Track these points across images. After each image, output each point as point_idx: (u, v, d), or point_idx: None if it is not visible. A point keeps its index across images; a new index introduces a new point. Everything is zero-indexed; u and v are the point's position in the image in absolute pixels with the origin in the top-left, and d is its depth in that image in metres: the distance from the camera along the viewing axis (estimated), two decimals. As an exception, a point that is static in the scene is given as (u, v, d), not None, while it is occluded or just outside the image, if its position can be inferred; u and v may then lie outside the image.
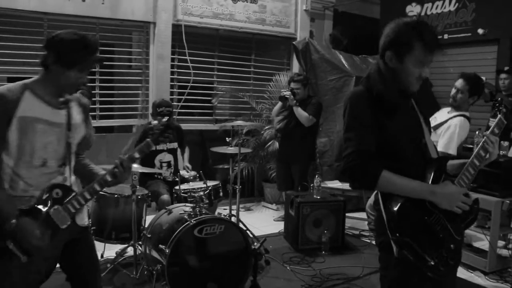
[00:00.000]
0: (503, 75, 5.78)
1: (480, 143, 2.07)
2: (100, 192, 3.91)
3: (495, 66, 6.37)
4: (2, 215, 2.06)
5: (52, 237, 2.14)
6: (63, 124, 2.24)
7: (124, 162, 2.23)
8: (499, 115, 2.13)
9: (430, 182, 1.99)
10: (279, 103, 5.53)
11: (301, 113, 5.27)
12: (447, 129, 3.98)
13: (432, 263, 1.90)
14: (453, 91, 4.10)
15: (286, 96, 5.30)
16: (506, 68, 5.89)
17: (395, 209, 1.92)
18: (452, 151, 3.90)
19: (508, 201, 4.50)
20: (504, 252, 4.66)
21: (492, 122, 5.78)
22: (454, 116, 4.04)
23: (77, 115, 2.33)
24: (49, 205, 2.15)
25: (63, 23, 5.59)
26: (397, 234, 1.90)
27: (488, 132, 2.10)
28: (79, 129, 2.34)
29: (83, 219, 2.35)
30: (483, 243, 4.52)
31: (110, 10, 5.80)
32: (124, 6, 5.88)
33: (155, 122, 4.63)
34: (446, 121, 4.05)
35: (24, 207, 2.10)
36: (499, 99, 2.17)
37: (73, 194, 2.21)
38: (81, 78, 2.22)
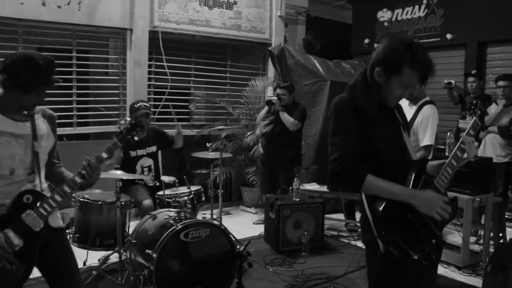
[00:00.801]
0: (470, 79, 6.00)
1: (457, 144, 2.19)
2: (83, 200, 4.01)
3: (463, 69, 6.63)
4: None
5: (27, 240, 2.22)
6: (28, 135, 2.33)
7: (91, 163, 2.30)
8: (474, 117, 2.27)
9: (411, 184, 2.10)
10: (265, 108, 5.66)
11: (287, 118, 5.41)
12: (421, 123, 3.97)
13: (416, 257, 2.01)
14: None
15: (273, 101, 5.43)
16: (473, 72, 6.14)
17: (380, 209, 2.02)
18: (433, 141, 3.98)
19: (478, 199, 4.71)
20: (476, 248, 4.87)
21: (462, 124, 6.02)
22: (420, 107, 4.04)
23: (42, 125, 2.42)
24: (20, 210, 2.23)
25: (38, 29, 5.58)
26: (383, 233, 2.02)
27: (464, 133, 2.23)
28: (46, 139, 2.43)
29: (56, 221, 2.43)
30: (456, 239, 4.71)
31: (87, 17, 5.80)
32: (101, 13, 5.88)
33: (122, 122, 4.70)
34: (415, 116, 4.05)
35: None
36: (474, 101, 2.31)
37: (44, 198, 2.29)
38: (40, 100, 2.31)
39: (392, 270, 2.09)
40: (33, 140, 2.34)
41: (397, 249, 2.01)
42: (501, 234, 5.02)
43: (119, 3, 6.03)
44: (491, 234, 4.78)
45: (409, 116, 4.00)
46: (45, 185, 2.41)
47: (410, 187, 2.08)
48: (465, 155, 2.18)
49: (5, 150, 2.25)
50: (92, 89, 6.41)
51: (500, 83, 5.54)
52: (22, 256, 2.21)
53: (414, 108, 4.06)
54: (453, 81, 5.96)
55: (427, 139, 3.92)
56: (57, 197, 2.29)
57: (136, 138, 2.47)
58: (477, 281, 4.18)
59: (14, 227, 2.20)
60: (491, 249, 4.65)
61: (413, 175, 2.12)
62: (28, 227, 2.23)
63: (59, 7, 5.59)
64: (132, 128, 2.43)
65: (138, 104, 4.70)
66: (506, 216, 5.41)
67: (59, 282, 2.45)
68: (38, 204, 2.26)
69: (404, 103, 4.03)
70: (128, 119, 4.18)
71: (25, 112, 2.34)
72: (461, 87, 6.31)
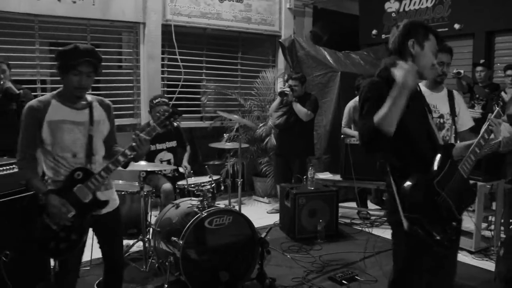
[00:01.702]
0: (479, 68, 6.09)
1: (483, 129, 2.31)
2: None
3: (471, 59, 6.71)
4: (35, 191, 2.59)
5: (78, 209, 2.56)
6: (86, 122, 2.67)
7: (140, 136, 2.57)
8: (496, 108, 2.38)
9: (436, 167, 2.22)
10: (277, 99, 5.75)
11: (300, 109, 5.51)
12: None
13: (438, 238, 2.14)
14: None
15: (286, 92, 5.53)
16: (481, 61, 6.22)
17: (408, 188, 2.15)
18: None
19: (488, 186, 4.82)
20: (487, 233, 4.99)
21: (472, 113, 6.04)
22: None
23: (99, 112, 2.76)
24: (73, 184, 2.57)
25: (54, 24, 5.68)
26: (409, 211, 2.14)
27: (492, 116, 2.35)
28: (102, 125, 2.77)
29: (106, 196, 2.73)
30: (468, 225, 4.81)
31: (101, 11, 5.89)
32: (115, 7, 5.97)
33: (151, 120, 4.80)
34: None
35: (52, 188, 2.58)
36: (497, 92, 2.43)
37: (93, 174, 2.61)
38: (82, 81, 2.57)
39: (418, 250, 2.21)
40: (90, 125, 2.66)
41: (421, 229, 2.12)
42: (511, 220, 5.13)
43: (132, -2, 6.12)
44: (502, 220, 4.89)
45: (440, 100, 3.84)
46: (101, 165, 2.68)
47: (436, 169, 2.20)
48: (492, 136, 2.31)
49: (68, 136, 2.61)
50: (106, 83, 6.51)
51: (509, 72, 5.64)
52: (75, 225, 2.56)
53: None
54: (462, 71, 6.05)
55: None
56: (103, 173, 2.61)
57: (175, 124, 2.68)
58: (490, 264, 4.30)
59: (68, 198, 2.54)
60: (502, 235, 4.77)
61: (440, 158, 2.23)
62: (78, 198, 2.56)
63: (74, 2, 5.68)
64: (171, 114, 2.63)
65: (157, 100, 4.78)
66: (515, 203, 5.52)
67: (105, 259, 2.89)
68: (88, 179, 2.58)
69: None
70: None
71: (83, 102, 2.68)
72: (469, 76, 6.39)
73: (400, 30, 2.31)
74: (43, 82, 5.89)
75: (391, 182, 2.26)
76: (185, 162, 5.01)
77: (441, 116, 3.76)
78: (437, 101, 3.70)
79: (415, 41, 2.26)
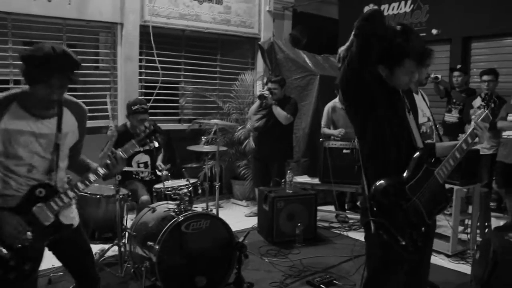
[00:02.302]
0: (456, 73, 6.15)
1: (467, 132, 2.27)
2: (81, 193, 4.01)
3: (448, 64, 6.79)
4: None
5: (36, 233, 2.19)
6: (51, 134, 2.27)
7: (116, 154, 2.36)
8: (486, 110, 2.35)
9: (411, 172, 2.19)
10: (257, 102, 5.73)
11: (280, 112, 5.49)
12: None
13: (403, 243, 2.13)
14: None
15: (265, 95, 5.50)
16: (458, 66, 6.29)
17: (376, 193, 2.14)
18: None
19: (465, 189, 4.86)
20: (463, 236, 5.03)
21: (448, 117, 6.13)
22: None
23: (69, 121, 2.36)
24: (32, 203, 2.22)
25: (28, 23, 5.54)
26: (375, 215, 2.13)
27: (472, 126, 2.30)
28: (71, 137, 2.38)
29: (69, 218, 2.40)
30: (445, 229, 4.85)
31: (77, 11, 5.78)
32: (91, 7, 5.87)
33: (129, 123, 4.71)
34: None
35: (6, 206, 2.19)
36: (489, 93, 2.39)
37: (57, 192, 2.28)
38: (53, 94, 2.18)
39: (391, 254, 2.19)
40: (56, 136, 2.28)
41: (386, 233, 2.12)
42: (486, 223, 5.19)
43: (109, -2, 6.02)
44: (478, 223, 4.94)
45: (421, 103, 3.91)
46: (64, 179, 2.42)
47: (410, 174, 2.17)
48: (476, 140, 2.27)
49: (23, 150, 2.21)
50: (82, 84, 6.38)
51: (485, 77, 5.69)
52: (30, 250, 2.19)
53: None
54: (439, 76, 6.10)
55: None
56: (70, 193, 2.29)
57: (151, 145, 2.52)
58: (466, 267, 4.34)
59: (25, 219, 2.18)
60: (478, 238, 4.82)
61: (415, 162, 2.20)
62: (37, 220, 2.21)
63: (49, 1, 5.57)
64: (151, 133, 2.47)
65: (136, 107, 4.62)
66: (491, 206, 5.59)
67: (77, 277, 2.55)
68: (50, 198, 2.24)
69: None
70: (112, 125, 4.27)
71: (52, 109, 2.27)
72: (446, 81, 6.46)
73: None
74: (17, 82, 5.75)
75: (364, 185, 2.24)
76: (159, 162, 4.92)
77: (429, 119, 3.79)
78: (421, 104, 3.73)
79: (384, 67, 2.19)
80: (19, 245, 2.15)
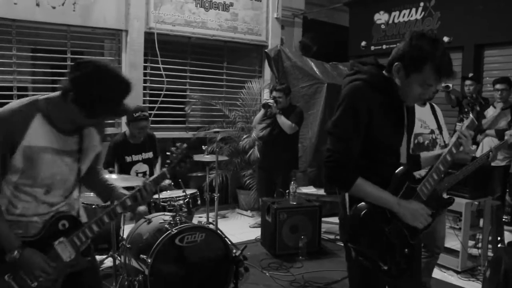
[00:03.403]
0: (468, 82, 5.99)
1: (453, 139, 2.11)
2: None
3: (461, 72, 6.61)
4: (3, 246, 1.91)
5: (56, 269, 2.00)
6: (74, 151, 2.04)
7: (147, 186, 2.12)
8: (471, 116, 2.20)
9: (394, 188, 2.04)
10: (261, 111, 5.61)
11: (284, 121, 5.36)
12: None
13: (386, 268, 1.99)
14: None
15: (270, 104, 5.38)
16: (470, 75, 6.13)
17: (357, 215, 1.98)
18: None
19: (476, 202, 4.67)
20: (474, 252, 4.83)
21: (459, 127, 5.96)
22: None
23: (91, 137, 2.13)
24: (54, 236, 2.01)
25: (32, 30, 5.53)
26: (355, 243, 2.00)
27: (463, 126, 2.16)
28: (92, 151, 2.16)
29: (88, 250, 2.17)
30: (455, 243, 4.65)
31: (81, 18, 5.75)
32: (96, 14, 5.83)
33: (128, 131, 4.61)
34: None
35: (28, 239, 1.97)
36: (474, 95, 2.23)
37: (81, 226, 2.06)
38: (99, 122, 2.05)
39: (371, 278, 2.07)
40: (78, 155, 2.06)
41: (367, 259, 1.99)
42: (499, 238, 4.98)
43: (114, 4, 5.98)
44: (490, 238, 4.74)
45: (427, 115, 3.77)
46: (80, 207, 2.22)
47: (392, 191, 2.03)
48: (461, 149, 2.12)
49: (47, 169, 1.95)
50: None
51: (498, 86, 5.53)
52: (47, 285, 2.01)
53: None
54: (450, 85, 5.93)
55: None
56: (94, 227, 2.06)
57: (183, 169, 2.27)
58: (476, 285, 4.16)
59: (44, 253, 1.97)
60: (490, 253, 4.62)
61: (397, 180, 2.06)
62: (58, 256, 2.00)
63: (54, 7, 5.54)
64: (183, 159, 2.22)
65: (137, 114, 4.51)
66: (504, 220, 5.38)
67: None
68: (73, 233, 2.03)
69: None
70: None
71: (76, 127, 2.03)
72: (458, 90, 6.28)
73: (400, 45, 2.02)
74: (22, 89, 5.72)
75: (345, 200, 2.09)
76: (157, 169, 4.81)
77: (432, 132, 3.63)
78: (425, 116, 3.58)
79: (401, 67, 1.99)
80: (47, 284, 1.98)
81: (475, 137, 5.59)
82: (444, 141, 3.70)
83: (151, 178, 2.18)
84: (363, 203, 1.99)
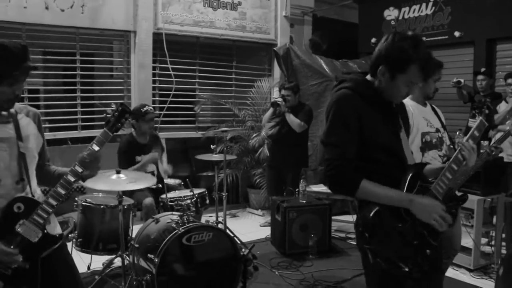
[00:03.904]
0: (480, 77, 5.90)
1: (457, 151, 2.07)
2: (85, 204, 3.94)
3: (472, 67, 6.52)
4: None
5: (26, 253, 2.02)
6: (12, 138, 2.09)
7: (89, 152, 2.14)
8: (480, 117, 2.15)
9: (405, 189, 2.01)
10: (270, 110, 5.60)
11: (293, 120, 5.34)
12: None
13: (407, 269, 1.92)
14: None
15: (278, 102, 5.37)
16: (482, 70, 6.03)
17: (369, 218, 1.94)
18: None
19: (489, 199, 4.60)
20: (487, 249, 4.76)
21: (472, 123, 5.86)
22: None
23: (28, 125, 2.19)
24: (13, 221, 2.02)
25: (42, 33, 5.57)
26: (371, 244, 1.93)
27: (467, 137, 2.11)
28: (33, 140, 2.20)
29: (56, 228, 2.24)
30: (467, 241, 4.58)
31: (90, 20, 5.78)
32: (104, 16, 5.86)
33: (134, 131, 4.63)
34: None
35: None
36: (482, 100, 2.19)
37: (38, 204, 2.08)
38: (16, 91, 2.04)
39: (390, 283, 1.99)
40: (18, 141, 2.09)
41: (385, 261, 1.91)
42: (512, 235, 4.90)
43: (122, 6, 6.01)
44: (503, 235, 4.67)
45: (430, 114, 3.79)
46: (38, 191, 2.22)
47: (405, 191, 1.99)
48: (464, 163, 2.07)
49: None
50: (96, 92, 6.38)
51: (510, 80, 5.44)
52: (23, 273, 2.02)
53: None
54: (462, 80, 5.84)
55: None
56: (52, 201, 2.07)
57: (125, 126, 2.27)
58: (489, 283, 4.09)
59: (9, 241, 1.98)
60: (503, 251, 4.54)
61: (408, 180, 2.02)
62: (25, 239, 2.02)
63: (62, 10, 5.58)
64: (120, 115, 2.20)
65: (145, 108, 4.59)
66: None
67: None
68: (32, 212, 2.04)
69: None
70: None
71: (4, 113, 2.09)
72: (470, 85, 6.19)
73: (381, 46, 2.02)
74: (34, 91, 5.77)
75: (356, 204, 2.06)
76: (164, 166, 4.81)
77: (438, 131, 3.59)
78: (429, 115, 3.55)
79: (385, 70, 1.99)
80: (10, 271, 1.99)
81: (487, 132, 5.50)
82: (450, 140, 3.67)
83: (95, 139, 2.18)
84: (372, 203, 1.95)
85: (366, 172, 1.96)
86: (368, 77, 2.10)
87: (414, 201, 1.93)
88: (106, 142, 2.18)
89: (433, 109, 3.50)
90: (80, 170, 2.12)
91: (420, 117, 3.18)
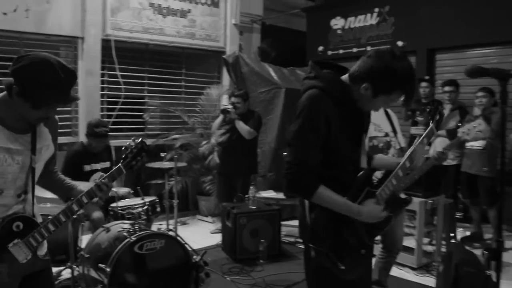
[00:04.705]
0: (423, 84, 6.12)
1: (406, 154, 2.18)
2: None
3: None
4: None
5: (10, 270, 1.98)
6: (26, 150, 2.00)
7: (103, 181, 2.15)
8: (431, 125, 2.26)
9: (354, 193, 2.10)
10: (220, 117, 5.63)
11: (243, 127, 5.40)
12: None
13: (343, 267, 2.04)
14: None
15: (229, 109, 5.41)
16: (426, 77, 6.31)
17: (319, 218, 2.04)
18: None
19: (430, 201, 4.83)
20: (429, 248, 5.00)
21: (414, 130, 6.11)
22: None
23: (44, 135, 2.10)
24: (8, 238, 1.97)
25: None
26: (316, 244, 2.05)
27: (418, 141, 2.21)
28: (45, 151, 2.12)
29: (43, 249, 2.17)
30: (410, 241, 4.80)
31: (35, 25, 5.63)
32: (50, 21, 5.73)
33: (86, 141, 4.56)
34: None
35: None
36: (435, 106, 2.29)
37: (36, 226, 2.04)
38: (49, 114, 2.00)
39: (327, 278, 2.11)
40: (32, 155, 2.02)
41: (327, 260, 2.03)
42: (452, 234, 5.17)
43: (69, 11, 5.90)
44: (443, 235, 4.92)
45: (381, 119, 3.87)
46: (36, 207, 2.15)
47: (351, 198, 2.07)
48: (414, 163, 2.19)
49: None
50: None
51: (446, 88, 5.73)
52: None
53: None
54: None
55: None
56: (51, 226, 2.05)
57: (139, 164, 2.28)
58: (431, 280, 4.30)
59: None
60: (444, 249, 4.79)
61: (356, 185, 2.11)
62: (14, 258, 1.97)
63: (5, 14, 5.42)
64: (138, 152, 2.24)
65: (98, 130, 4.47)
66: (456, 217, 5.59)
67: None
68: (28, 234, 2.00)
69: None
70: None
71: (26, 123, 2.00)
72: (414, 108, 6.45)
73: (369, 63, 1.98)
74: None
75: (305, 202, 2.13)
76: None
77: (387, 135, 3.76)
78: (379, 120, 3.70)
79: (370, 87, 1.98)
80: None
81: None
82: (399, 143, 3.84)
83: (107, 174, 2.17)
84: (322, 207, 2.02)
85: (323, 176, 2.02)
86: (345, 77, 2.08)
87: (362, 212, 2.04)
88: (117, 177, 2.19)
89: (387, 113, 3.63)
90: (85, 200, 2.12)
91: None
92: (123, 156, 2.22)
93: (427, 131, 2.22)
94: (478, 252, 3.92)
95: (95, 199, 2.17)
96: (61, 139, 5.99)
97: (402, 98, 2.05)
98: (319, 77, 2.08)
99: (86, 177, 4.58)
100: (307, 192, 2.01)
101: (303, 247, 5.18)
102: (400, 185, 2.55)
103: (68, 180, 2.33)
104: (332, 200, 2.01)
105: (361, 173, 2.13)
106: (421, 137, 2.22)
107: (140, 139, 2.28)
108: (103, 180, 2.15)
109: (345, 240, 2.06)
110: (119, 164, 2.20)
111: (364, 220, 2.04)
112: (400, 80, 1.94)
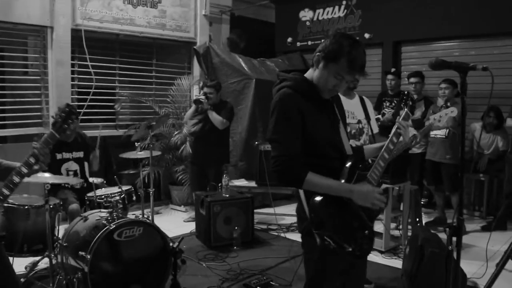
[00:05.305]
0: (390, 76, 6.32)
1: (392, 131, 2.31)
2: (8, 205, 3.83)
3: (381, 67, 7.03)
4: None
5: None
6: None
7: (39, 144, 2.19)
8: (405, 109, 2.42)
9: (345, 179, 2.20)
10: (192, 107, 5.68)
11: (216, 117, 5.47)
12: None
13: (350, 249, 2.14)
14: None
15: (201, 100, 5.46)
16: (393, 70, 6.52)
17: (317, 204, 2.13)
18: None
19: (397, 187, 5.05)
20: (396, 233, 5.23)
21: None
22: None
23: None
24: None
25: None
26: (319, 228, 2.13)
27: (396, 126, 2.33)
28: None
29: None
30: (378, 226, 5.01)
31: (2, 13, 5.53)
32: (18, 9, 5.64)
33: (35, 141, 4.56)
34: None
35: None
36: (406, 92, 2.45)
37: None
38: None
39: (329, 257, 2.22)
40: None
41: (332, 243, 2.12)
42: (417, 219, 5.41)
43: (38, 0, 5.81)
44: (409, 220, 5.15)
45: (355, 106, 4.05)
46: None
47: (345, 181, 2.19)
48: (401, 139, 2.31)
49: None
50: (9, 90, 6.13)
51: (412, 79, 5.95)
52: None
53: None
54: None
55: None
56: (5, 191, 2.10)
57: (72, 127, 2.34)
58: (398, 262, 4.50)
59: None
60: (410, 233, 5.01)
61: (348, 170, 2.22)
62: None
63: (-30, 2, 5.31)
64: (67, 116, 2.29)
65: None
66: (421, 202, 5.84)
67: None
68: None
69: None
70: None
71: None
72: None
73: (326, 41, 2.18)
74: None
75: (299, 191, 2.26)
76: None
77: (359, 122, 3.93)
78: (353, 107, 3.87)
79: (321, 57, 2.17)
80: None
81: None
82: (372, 130, 4.03)
83: (41, 138, 2.23)
84: (317, 197, 2.13)
85: (310, 166, 2.13)
86: (307, 74, 2.26)
87: (354, 191, 2.14)
88: (52, 143, 2.23)
89: (362, 100, 3.79)
90: (25, 171, 2.16)
91: None
92: (53, 122, 2.29)
93: (402, 114, 2.35)
94: (442, 235, 4.15)
95: (36, 167, 2.21)
96: (32, 130, 5.95)
97: (351, 75, 2.16)
98: (286, 79, 2.26)
99: (58, 165, 4.60)
100: (296, 180, 2.12)
101: (275, 233, 5.35)
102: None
103: (5, 161, 2.38)
104: (321, 183, 2.11)
105: (348, 160, 2.25)
106: (400, 119, 2.33)
107: (66, 103, 2.39)
108: (34, 144, 2.20)
109: (348, 223, 2.17)
110: (51, 129, 2.26)
111: (356, 199, 2.13)
112: (346, 45, 2.10)
